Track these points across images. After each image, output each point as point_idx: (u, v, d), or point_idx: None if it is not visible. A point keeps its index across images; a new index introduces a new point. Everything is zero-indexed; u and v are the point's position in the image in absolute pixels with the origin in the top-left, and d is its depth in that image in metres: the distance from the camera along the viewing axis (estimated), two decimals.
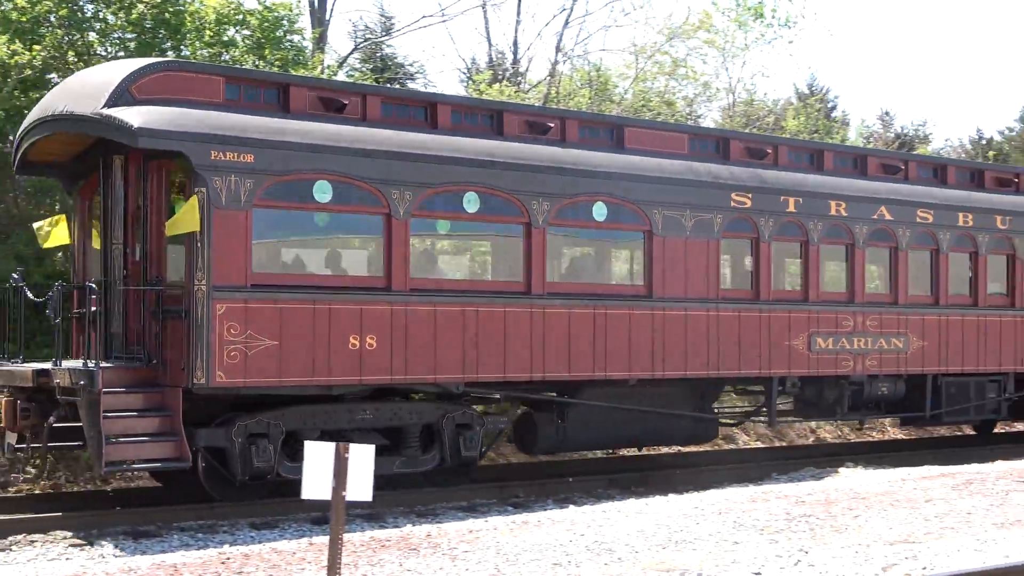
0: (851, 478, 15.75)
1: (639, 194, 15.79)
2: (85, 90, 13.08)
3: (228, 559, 10.22)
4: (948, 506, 12.76)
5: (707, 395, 17.67)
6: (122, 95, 12.68)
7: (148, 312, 13.24)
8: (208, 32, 18.90)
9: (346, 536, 9.63)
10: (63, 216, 14.96)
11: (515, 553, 10.19)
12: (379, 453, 14.13)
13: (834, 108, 42.96)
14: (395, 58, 30.23)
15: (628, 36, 47.60)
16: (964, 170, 20.89)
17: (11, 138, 16.15)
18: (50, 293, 13.12)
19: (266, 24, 19.67)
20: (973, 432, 23.56)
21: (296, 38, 20.86)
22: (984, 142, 46.86)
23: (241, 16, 19.64)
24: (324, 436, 13.89)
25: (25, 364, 13.55)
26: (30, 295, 13.65)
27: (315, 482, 8.39)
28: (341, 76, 24.29)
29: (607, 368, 15.51)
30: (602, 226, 15.77)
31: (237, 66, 17.86)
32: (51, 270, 17.14)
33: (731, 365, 16.70)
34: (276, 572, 9.59)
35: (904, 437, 23.50)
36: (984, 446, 21.03)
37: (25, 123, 14.04)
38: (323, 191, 13.46)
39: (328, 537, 8.70)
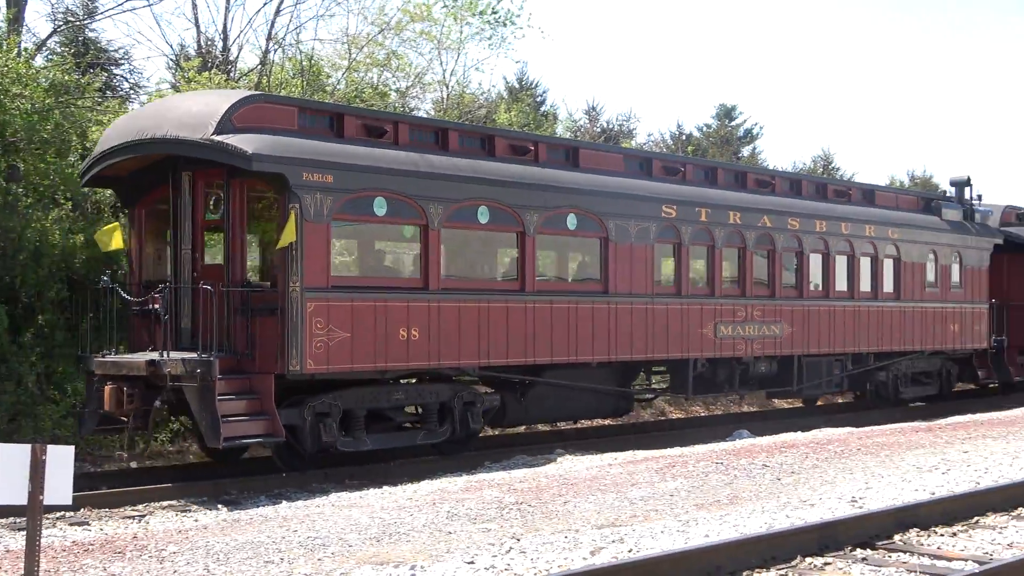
0: (562, 464, 15.98)
1: (598, 206, 18.85)
2: (188, 118, 15.06)
3: None
4: (652, 489, 13.12)
5: (627, 375, 20.93)
6: (226, 124, 14.81)
7: (234, 309, 15.32)
8: None
9: (46, 541, 9.53)
10: (117, 224, 16.73)
11: (226, 552, 10.00)
12: (404, 428, 16.90)
13: (543, 102, 43.37)
14: (99, 43, 28.39)
15: (341, 26, 46.04)
16: (812, 183, 24.91)
17: None
18: (159, 292, 15.10)
19: None
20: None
21: None
22: (684, 137, 48.33)
23: None
24: (370, 414, 16.45)
25: (135, 355, 15.41)
26: (124, 295, 15.52)
27: (10, 486, 7.88)
28: (39, 61, 23.56)
29: (578, 353, 18.51)
30: (574, 234, 18.80)
31: (307, 98, 19.78)
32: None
33: (661, 349, 20.01)
34: None
35: (611, 423, 23.86)
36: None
37: (110, 143, 15.83)
38: (380, 206, 15.93)
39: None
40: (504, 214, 17.48)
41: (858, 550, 9.77)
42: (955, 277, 27.38)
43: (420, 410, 17.22)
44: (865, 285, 24.70)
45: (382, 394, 16.53)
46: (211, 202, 15.90)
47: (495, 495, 12.76)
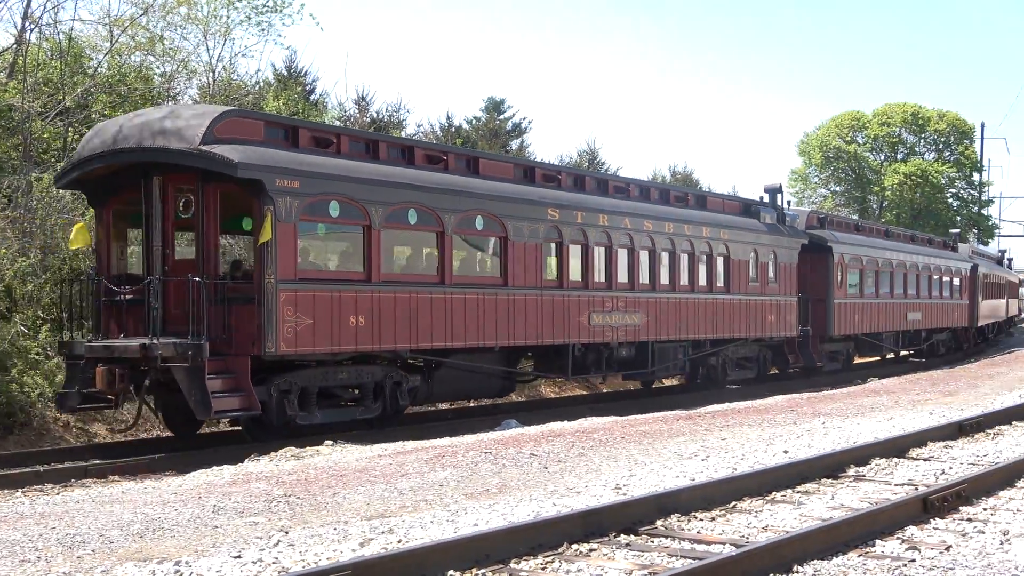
0: (331, 456, 15.86)
1: (500, 210, 21.46)
2: (175, 130, 16.91)
3: None
4: (422, 479, 13.19)
5: (512, 360, 23.59)
6: (209, 135, 16.78)
7: (208, 299, 17.21)
8: None
9: None
10: (83, 223, 18.37)
11: None
12: (346, 404, 19.15)
13: (313, 91, 42.92)
14: None
15: (103, 5, 44.88)
16: (658, 190, 28.13)
17: None
18: (147, 282, 16.91)
19: None
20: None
21: None
22: (453, 129, 48.33)
23: None
24: (320, 392, 18.61)
25: (124, 340, 17.15)
26: (110, 286, 17.23)
27: None
28: None
29: (484, 338, 21.07)
30: (481, 234, 21.36)
31: (269, 112, 21.48)
32: None
33: (548, 335, 22.77)
34: None
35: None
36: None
37: (95, 149, 17.50)
38: (335, 208, 18.14)
39: None
40: (428, 216, 19.90)
41: (622, 536, 9.93)
42: (771, 273, 31.15)
43: (357, 390, 19.45)
44: (703, 280, 28.04)
45: (330, 374, 18.72)
46: (181, 203, 17.75)
47: (263, 488, 12.67)
